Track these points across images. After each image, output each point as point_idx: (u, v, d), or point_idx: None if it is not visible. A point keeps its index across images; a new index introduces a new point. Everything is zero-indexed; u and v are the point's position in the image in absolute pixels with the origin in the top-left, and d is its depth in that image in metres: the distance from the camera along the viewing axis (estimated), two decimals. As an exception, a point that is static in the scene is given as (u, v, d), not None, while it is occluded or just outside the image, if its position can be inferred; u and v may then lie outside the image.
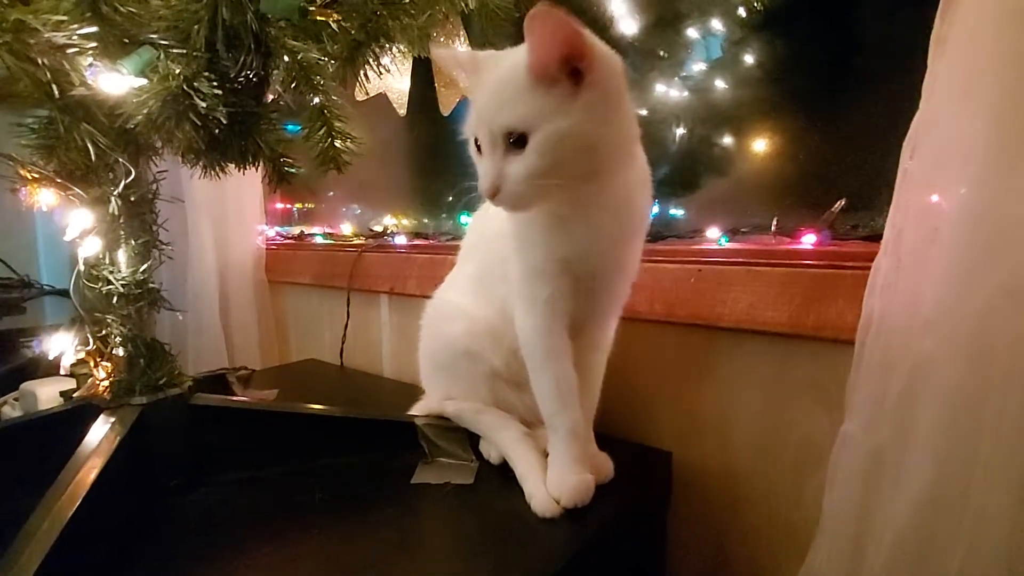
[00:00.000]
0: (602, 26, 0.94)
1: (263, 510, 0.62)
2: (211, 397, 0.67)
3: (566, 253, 0.58)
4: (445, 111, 1.00)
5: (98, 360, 0.59)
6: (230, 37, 0.47)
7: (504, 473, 0.66)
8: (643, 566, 0.74)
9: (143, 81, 0.43)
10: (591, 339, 0.66)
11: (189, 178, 0.64)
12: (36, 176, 0.57)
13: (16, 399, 0.84)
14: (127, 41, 0.46)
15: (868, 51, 0.82)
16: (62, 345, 0.61)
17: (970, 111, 0.48)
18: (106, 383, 0.59)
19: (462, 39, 0.91)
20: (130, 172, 0.52)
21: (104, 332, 0.58)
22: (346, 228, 1.53)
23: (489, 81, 0.53)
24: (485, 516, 0.61)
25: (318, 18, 0.50)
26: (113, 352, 0.59)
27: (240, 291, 1.41)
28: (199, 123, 0.45)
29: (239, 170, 0.58)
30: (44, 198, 0.60)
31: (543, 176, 0.50)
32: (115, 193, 0.52)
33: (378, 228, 1.41)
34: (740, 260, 0.75)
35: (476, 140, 0.54)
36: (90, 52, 0.42)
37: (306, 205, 1.73)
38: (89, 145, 0.47)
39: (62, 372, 0.61)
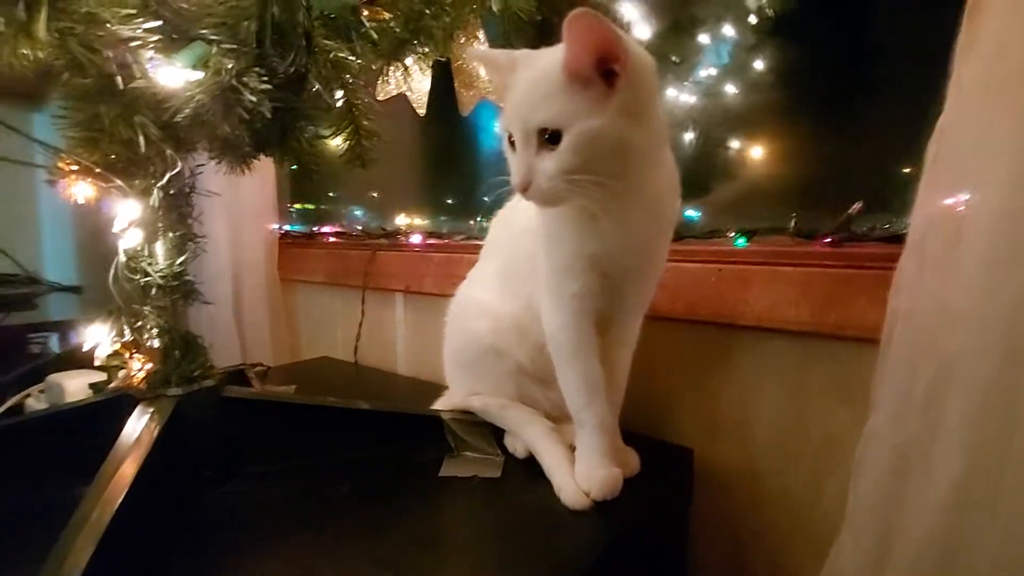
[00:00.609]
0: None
1: (292, 502, 0.62)
2: (243, 390, 0.68)
3: (595, 250, 0.59)
4: (465, 112, 1.01)
5: (133, 351, 0.60)
6: (278, 33, 0.48)
7: (529, 467, 0.67)
8: (665, 562, 0.75)
9: (200, 74, 0.44)
10: (618, 335, 0.67)
11: (214, 174, 0.65)
12: (75, 168, 0.58)
13: (41, 391, 0.84)
14: (175, 37, 0.47)
15: (884, 54, 0.83)
16: (96, 337, 0.62)
17: (995, 113, 0.48)
18: (142, 374, 0.60)
19: (481, 40, 0.92)
20: (176, 164, 0.53)
21: (140, 324, 0.59)
22: (359, 224, 1.53)
23: (525, 79, 0.54)
24: (513, 509, 0.62)
25: (365, 16, 0.51)
26: (149, 344, 0.59)
27: (253, 288, 1.41)
28: (247, 116, 0.46)
29: (278, 165, 0.59)
30: (80, 190, 0.60)
31: (574, 172, 0.52)
32: (159, 185, 0.53)
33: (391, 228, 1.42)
34: (760, 260, 0.76)
35: (510, 136, 0.56)
36: (152, 46, 0.43)
37: (322, 207, 1.74)
38: (141, 137, 0.48)
39: (96, 363, 0.62)
